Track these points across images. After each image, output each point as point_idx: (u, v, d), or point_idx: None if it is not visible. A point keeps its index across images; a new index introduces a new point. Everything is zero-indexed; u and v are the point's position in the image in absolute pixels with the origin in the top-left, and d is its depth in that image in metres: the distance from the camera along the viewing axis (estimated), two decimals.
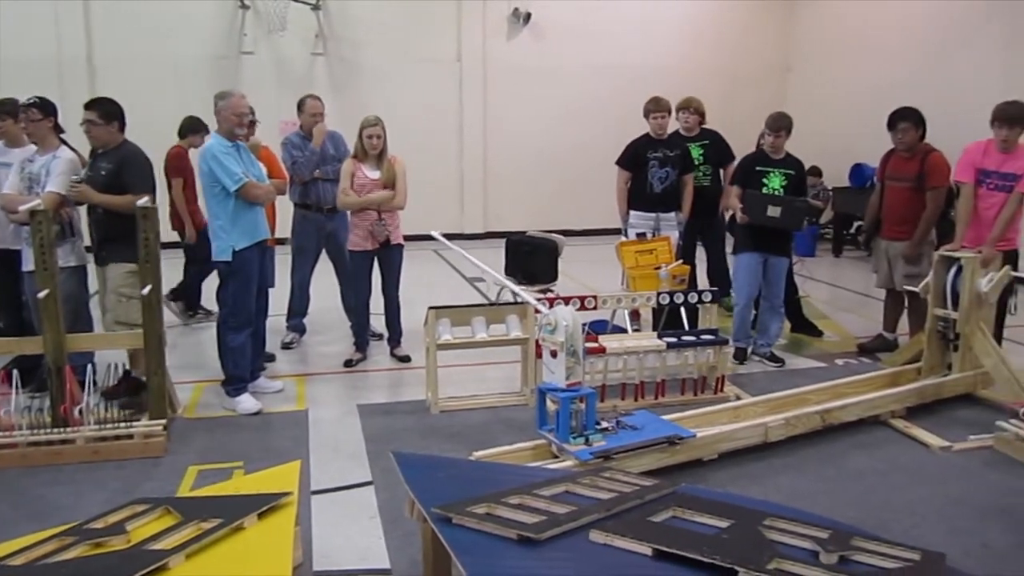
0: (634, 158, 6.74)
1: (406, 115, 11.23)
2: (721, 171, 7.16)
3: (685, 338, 5.35)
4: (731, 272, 6.72)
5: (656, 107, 6.67)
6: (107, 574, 2.39)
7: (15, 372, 4.35)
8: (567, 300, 5.10)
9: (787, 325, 6.81)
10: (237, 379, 5.17)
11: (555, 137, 13.20)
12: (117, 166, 4.88)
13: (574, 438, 3.93)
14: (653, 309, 6.23)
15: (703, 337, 5.35)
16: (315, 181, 6.40)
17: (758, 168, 6.05)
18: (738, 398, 5.24)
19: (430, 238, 6.37)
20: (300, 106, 6.51)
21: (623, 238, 6.80)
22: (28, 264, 4.87)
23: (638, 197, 6.76)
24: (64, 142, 5.28)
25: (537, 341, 5.01)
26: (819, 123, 12.25)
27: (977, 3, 10.15)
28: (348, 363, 6.10)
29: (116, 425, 4.41)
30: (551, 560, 2.30)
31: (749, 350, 6.23)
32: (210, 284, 6.13)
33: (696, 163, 6.94)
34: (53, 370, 4.46)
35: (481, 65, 13.02)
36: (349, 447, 4.59)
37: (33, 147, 5.16)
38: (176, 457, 4.40)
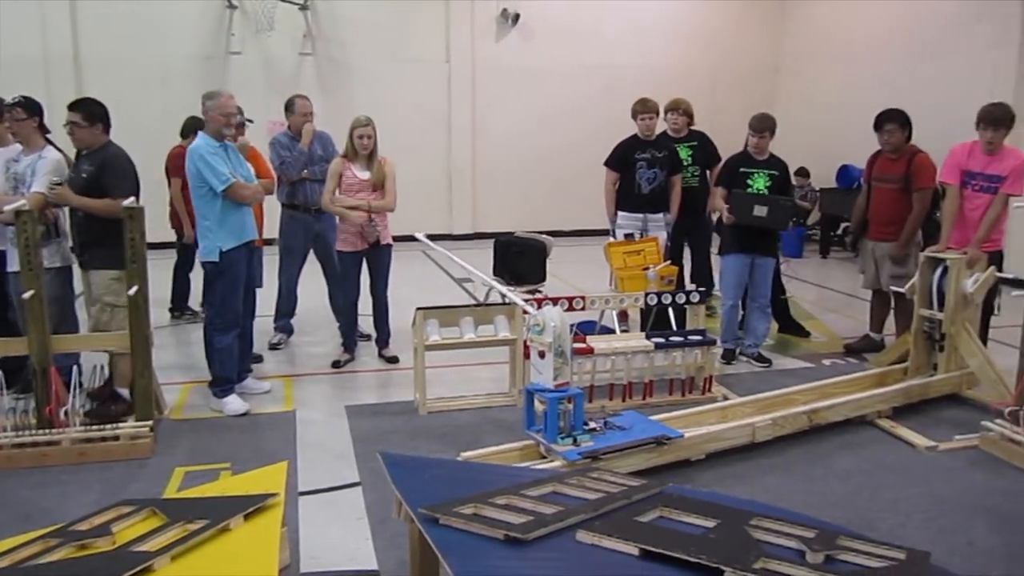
0: (622, 159, 6.76)
1: (394, 116, 11.21)
2: (708, 172, 7.18)
3: (673, 339, 5.36)
4: (715, 273, 6.74)
5: (644, 108, 6.69)
6: None
7: (0, 373, 4.32)
8: (555, 301, 5.10)
9: (774, 326, 6.84)
10: (224, 380, 5.15)
11: (543, 138, 13.22)
12: (98, 169, 4.82)
13: (562, 438, 3.94)
14: (641, 310, 6.24)
15: (691, 338, 5.36)
16: (303, 181, 6.39)
17: (742, 169, 6.08)
18: (726, 398, 5.26)
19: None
20: (289, 106, 6.49)
21: (611, 239, 6.81)
22: (13, 264, 4.84)
23: (626, 198, 6.78)
24: (50, 142, 5.25)
25: (525, 342, 5.01)
26: (807, 124, 12.32)
27: (965, 4, 10.20)
28: (336, 364, 6.08)
29: (102, 427, 4.38)
30: (538, 560, 2.30)
31: (737, 351, 6.25)
32: (197, 284, 6.11)
33: (684, 164, 6.95)
34: (38, 371, 4.42)
35: (470, 65, 13.02)
36: (337, 448, 4.58)
37: (19, 147, 5.12)
38: (163, 458, 4.38)
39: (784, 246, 10.28)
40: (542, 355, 4.09)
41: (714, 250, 7.07)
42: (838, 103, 12.25)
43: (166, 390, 5.25)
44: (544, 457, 4.04)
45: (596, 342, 5.24)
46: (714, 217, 7.03)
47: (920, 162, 6.02)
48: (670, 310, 6.16)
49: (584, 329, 5.89)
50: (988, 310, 5.67)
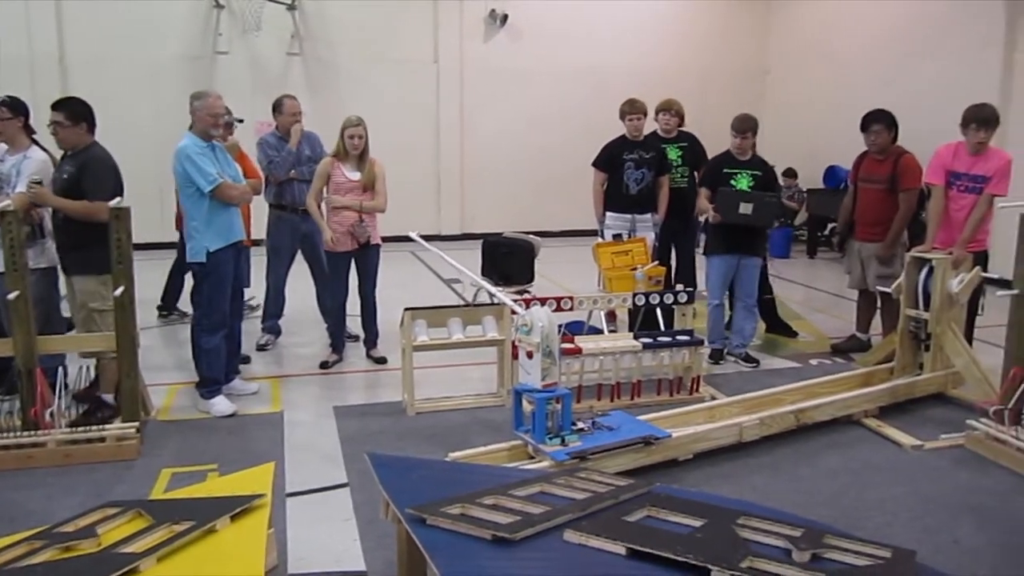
0: (610, 160, 6.77)
1: (383, 116, 11.10)
2: (696, 173, 7.19)
3: (661, 339, 5.37)
4: (700, 274, 6.75)
5: (631, 109, 6.70)
6: None
7: None
8: (543, 301, 5.11)
9: (761, 326, 6.87)
10: (211, 381, 5.13)
11: (532, 138, 13.23)
12: (79, 170, 4.74)
13: (550, 439, 3.94)
14: (629, 310, 6.25)
15: (679, 338, 5.38)
16: (290, 182, 6.37)
17: (725, 170, 6.09)
18: (713, 398, 5.27)
19: (407, 239, 6.35)
20: (277, 106, 6.46)
21: (599, 239, 6.82)
22: None
23: (614, 198, 6.79)
24: (36, 143, 5.21)
25: (513, 342, 5.02)
26: (795, 125, 12.39)
27: (951, 5, 10.27)
28: (324, 364, 6.07)
29: (88, 428, 4.36)
30: (525, 560, 2.30)
31: (724, 351, 6.27)
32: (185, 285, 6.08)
33: (674, 165, 6.96)
34: (23, 372, 4.39)
35: (458, 66, 13.02)
36: (325, 449, 4.56)
37: (3, 147, 5.09)
38: (149, 460, 4.36)
39: (772, 246, 10.34)
40: (530, 355, 4.09)
41: (698, 250, 7.10)
42: (825, 104, 12.30)
43: (153, 391, 5.22)
44: (532, 457, 4.04)
45: (584, 342, 5.24)
46: (701, 219, 7.05)
47: (906, 163, 6.05)
48: (658, 310, 6.18)
49: (572, 329, 5.89)
50: (973, 310, 5.71)
